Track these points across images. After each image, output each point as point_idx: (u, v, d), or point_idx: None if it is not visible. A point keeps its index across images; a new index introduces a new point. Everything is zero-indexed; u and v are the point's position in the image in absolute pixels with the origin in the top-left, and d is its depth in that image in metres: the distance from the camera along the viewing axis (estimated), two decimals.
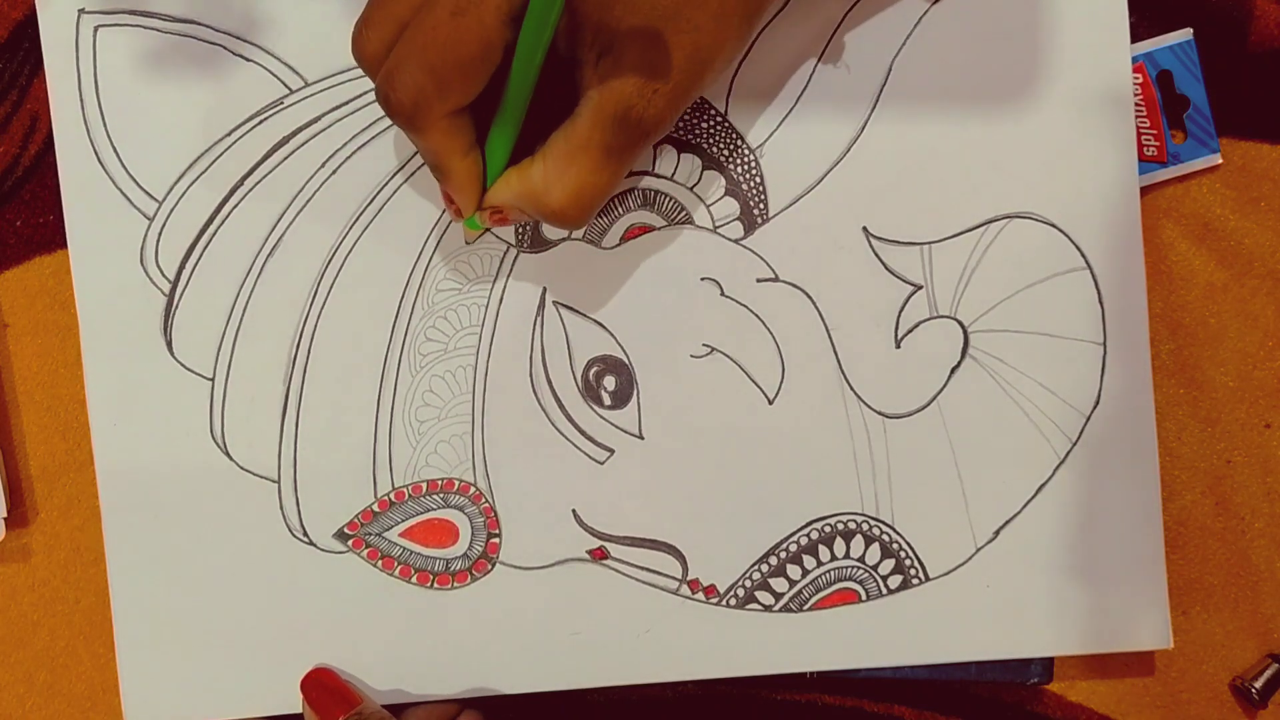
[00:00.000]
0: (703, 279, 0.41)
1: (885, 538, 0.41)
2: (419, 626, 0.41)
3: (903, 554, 0.41)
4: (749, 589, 0.41)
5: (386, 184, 0.40)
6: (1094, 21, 0.40)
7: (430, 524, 0.41)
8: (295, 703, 0.41)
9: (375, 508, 0.41)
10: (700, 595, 0.41)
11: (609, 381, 0.41)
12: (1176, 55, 0.43)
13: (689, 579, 0.41)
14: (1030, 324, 0.41)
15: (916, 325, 0.41)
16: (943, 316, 0.41)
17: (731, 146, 0.40)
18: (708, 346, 0.41)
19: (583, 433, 0.41)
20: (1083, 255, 0.41)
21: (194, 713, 0.41)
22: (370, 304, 0.41)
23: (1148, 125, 0.43)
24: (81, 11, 0.40)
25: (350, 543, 0.41)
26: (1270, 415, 0.44)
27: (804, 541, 0.41)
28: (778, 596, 0.41)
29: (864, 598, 0.41)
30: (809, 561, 0.41)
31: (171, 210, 0.40)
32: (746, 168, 0.41)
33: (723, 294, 0.41)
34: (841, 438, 0.41)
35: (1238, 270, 0.44)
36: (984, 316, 0.41)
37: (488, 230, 0.40)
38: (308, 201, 0.40)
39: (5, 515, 0.42)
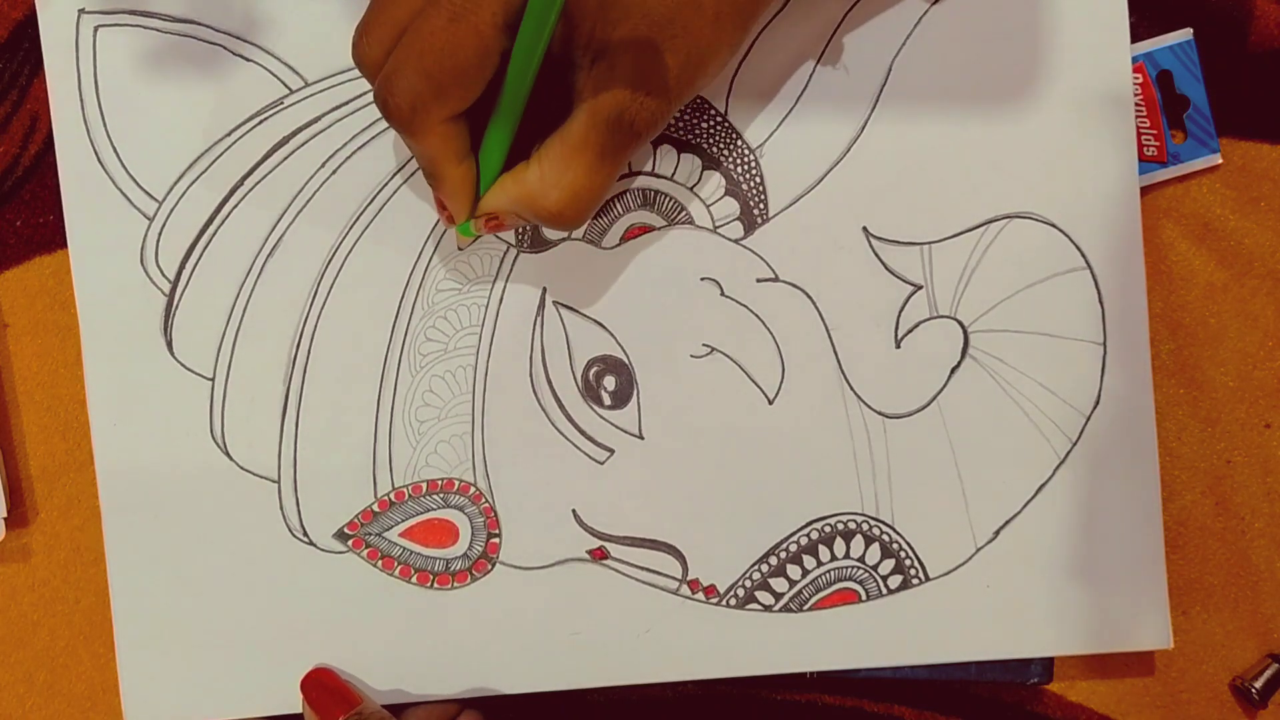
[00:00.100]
0: (703, 279, 0.41)
1: (885, 538, 0.41)
2: (419, 626, 0.41)
3: (903, 554, 0.41)
4: (749, 589, 0.41)
5: (386, 184, 0.40)
6: (1094, 21, 0.40)
7: (430, 524, 0.41)
8: (295, 703, 0.41)
9: (375, 508, 0.41)
10: (700, 595, 0.41)
11: (609, 381, 0.41)
12: (1176, 55, 0.43)
13: (689, 579, 0.41)
14: (1030, 324, 0.41)
15: (916, 325, 0.41)
16: (943, 316, 0.41)
17: (731, 146, 0.40)
18: (708, 346, 0.41)
19: (583, 433, 0.41)
20: (1083, 255, 0.41)
21: (194, 713, 0.41)
22: (370, 304, 0.41)
23: (1148, 125, 0.43)
24: (81, 11, 0.40)
25: (350, 543, 0.41)
26: (1270, 415, 0.44)
27: (804, 541, 0.41)
28: (778, 596, 0.41)
29: (864, 598, 0.41)
30: (809, 561, 0.41)
31: (172, 210, 0.40)
32: (746, 168, 0.41)
33: (723, 294, 0.41)
34: (841, 438, 0.41)
35: (1238, 270, 0.44)
36: (984, 316, 0.41)
37: (479, 237, 0.40)
38: (308, 202, 0.40)
39: (5, 515, 0.42)
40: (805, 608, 0.41)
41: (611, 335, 0.41)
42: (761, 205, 0.41)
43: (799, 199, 0.41)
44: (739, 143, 0.41)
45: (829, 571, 0.41)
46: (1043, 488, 0.41)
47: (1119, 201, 0.41)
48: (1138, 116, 0.42)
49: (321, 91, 0.40)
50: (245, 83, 0.40)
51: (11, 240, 0.43)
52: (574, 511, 0.41)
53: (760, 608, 0.41)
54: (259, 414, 0.41)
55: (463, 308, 0.41)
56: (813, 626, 0.41)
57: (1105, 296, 0.41)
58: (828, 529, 0.41)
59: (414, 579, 0.41)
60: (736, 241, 0.41)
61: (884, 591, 0.41)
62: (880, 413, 0.41)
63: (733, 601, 0.41)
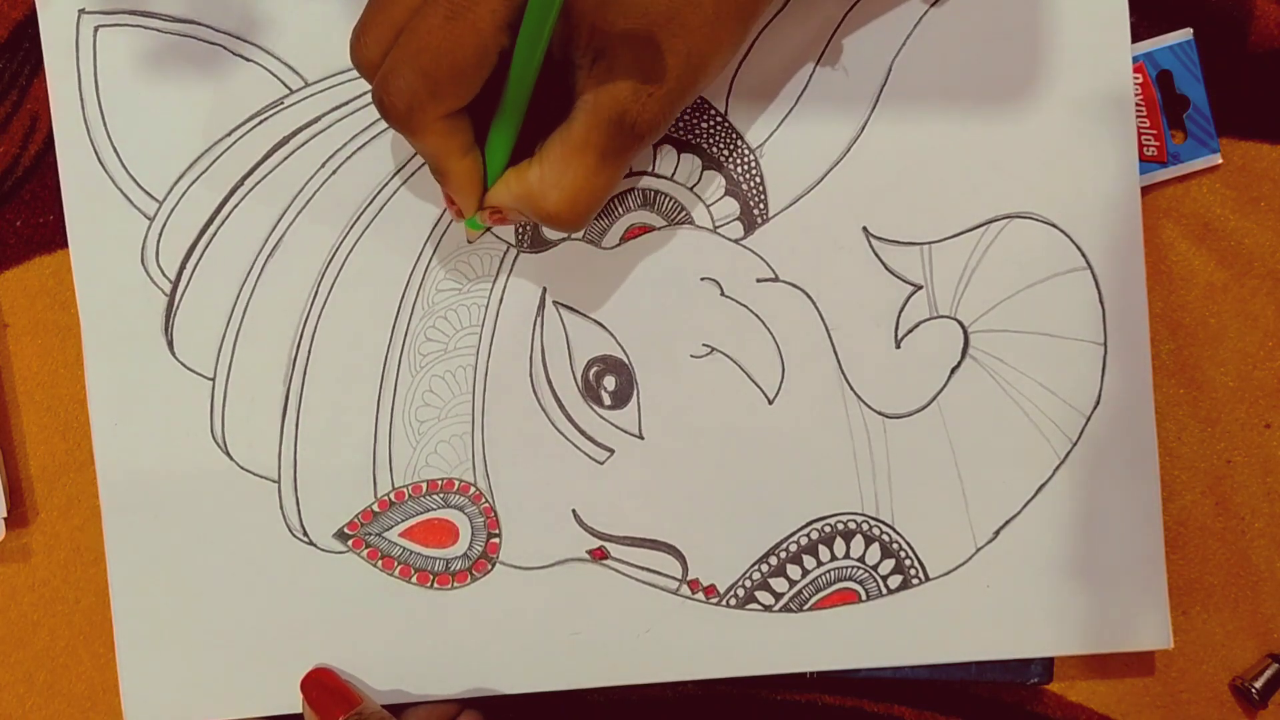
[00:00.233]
0: (703, 279, 0.41)
1: (885, 538, 0.41)
2: (419, 626, 0.41)
3: (903, 554, 0.41)
4: (749, 589, 0.41)
5: (386, 184, 0.40)
6: (1094, 21, 0.40)
7: (430, 524, 0.41)
8: (295, 703, 0.41)
9: (375, 508, 0.41)
10: (700, 595, 0.41)
11: (609, 381, 0.41)
12: (1176, 55, 0.43)
13: (689, 579, 0.41)
14: (1030, 324, 0.41)
15: (916, 325, 0.41)
16: (943, 316, 0.41)
17: (731, 146, 0.40)
18: (708, 346, 0.41)
19: (583, 433, 0.41)
20: (1083, 255, 0.41)
21: (194, 713, 0.41)
22: (370, 304, 0.41)
23: (1148, 125, 0.43)
24: (81, 11, 0.40)
25: (350, 543, 0.41)
26: (1270, 415, 0.44)
27: (804, 541, 0.41)
28: (778, 596, 0.41)
29: (864, 598, 0.41)
30: (809, 561, 0.41)
31: (172, 210, 0.40)
32: (746, 168, 0.41)
33: (723, 294, 0.41)
34: (841, 438, 0.41)
35: (1238, 270, 0.44)
36: (984, 316, 0.41)
37: (489, 230, 0.40)
38: (308, 202, 0.40)
39: (5, 515, 0.42)
40: (805, 608, 0.41)
41: (611, 335, 0.41)
42: (761, 205, 0.41)
43: (799, 199, 0.41)
44: (739, 143, 0.41)
45: (829, 571, 0.41)
46: (1043, 488, 0.41)
47: (1119, 201, 0.41)
48: (1138, 116, 0.42)
49: (321, 91, 0.40)
50: (245, 83, 0.40)
51: (11, 240, 0.43)
52: (574, 511, 0.41)
53: (760, 608, 0.41)
54: (259, 414, 0.41)
55: (463, 308, 0.41)
56: (813, 626, 0.41)
57: (1105, 296, 0.41)
58: (828, 529, 0.41)
59: (414, 579, 0.41)
60: (736, 241, 0.41)
61: (884, 591, 0.41)
62: (880, 413, 0.41)
63: (733, 601, 0.41)
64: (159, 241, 0.40)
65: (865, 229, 0.41)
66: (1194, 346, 0.44)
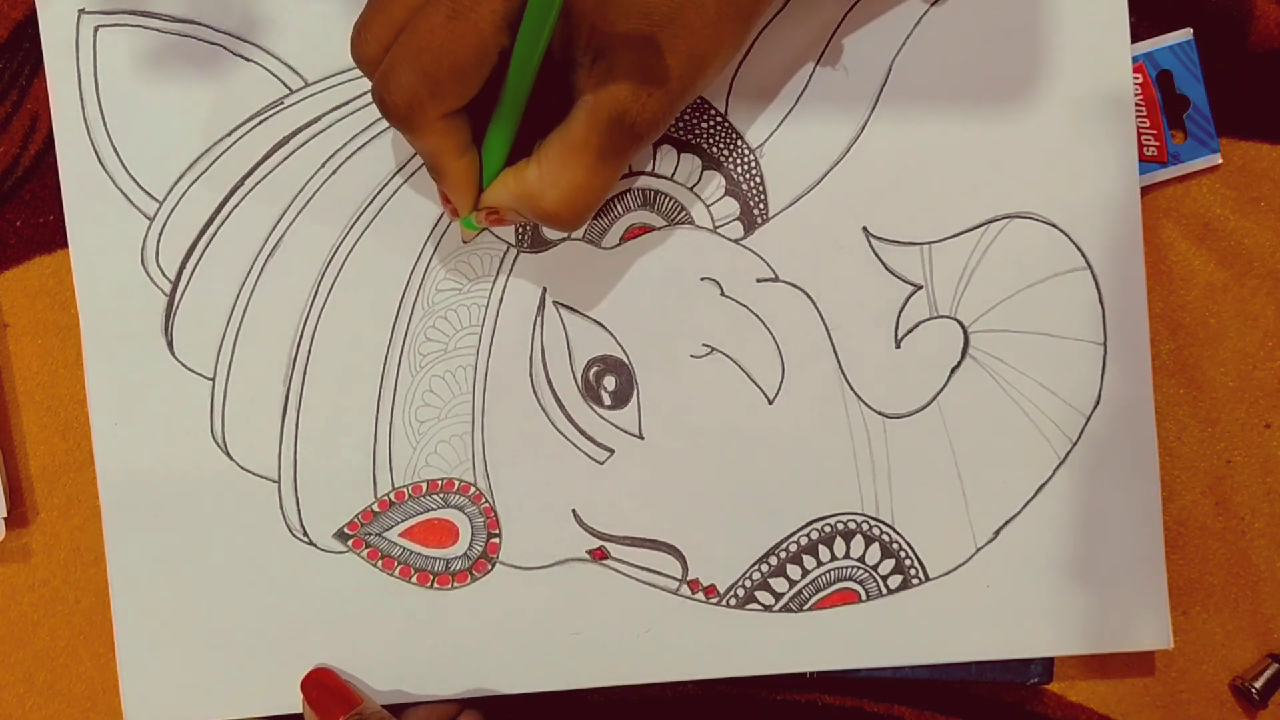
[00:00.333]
0: (703, 279, 0.41)
1: (885, 538, 0.41)
2: (419, 626, 0.41)
3: (903, 554, 0.41)
4: (749, 589, 0.41)
5: (386, 184, 0.40)
6: (1094, 21, 0.40)
7: (430, 524, 0.41)
8: (295, 703, 0.41)
9: (375, 508, 0.41)
10: (700, 595, 0.41)
11: (609, 381, 0.41)
12: (1176, 55, 0.43)
13: (689, 579, 0.41)
14: (1030, 324, 0.41)
15: (916, 325, 0.41)
16: (943, 316, 0.41)
17: (731, 146, 0.40)
18: (708, 346, 0.41)
19: (583, 433, 0.41)
20: (1083, 255, 0.41)
21: (194, 713, 0.41)
22: (370, 304, 0.41)
23: (1148, 125, 0.43)
24: (81, 11, 0.40)
25: (350, 543, 0.41)
26: (1270, 415, 0.44)
27: (804, 541, 0.41)
28: (778, 596, 0.41)
29: (864, 598, 0.41)
30: (809, 561, 0.41)
31: (172, 210, 0.40)
32: (746, 168, 0.41)
33: (723, 294, 0.41)
34: (841, 438, 0.41)
35: (1238, 270, 0.44)
36: (984, 316, 0.41)
37: (485, 230, 0.40)
38: (308, 202, 0.40)
39: (5, 515, 0.42)
40: (805, 608, 0.41)
41: (611, 335, 0.41)
42: (761, 205, 0.41)
43: (799, 199, 0.41)
44: (739, 143, 0.41)
45: (829, 571, 0.41)
46: (1043, 488, 0.41)
47: (1119, 201, 0.41)
48: (1138, 116, 0.42)
49: (321, 91, 0.40)
50: (245, 83, 0.40)
51: (11, 240, 0.43)
52: (574, 511, 0.41)
53: (760, 608, 0.41)
54: (259, 414, 0.41)
55: (463, 308, 0.41)
56: (813, 626, 0.41)
57: (1105, 296, 0.41)
58: (828, 529, 0.41)
59: (414, 579, 0.41)
60: (736, 241, 0.41)
61: (884, 591, 0.41)
62: (880, 413, 0.41)
63: (733, 601, 0.41)
64: (159, 241, 0.40)
65: (865, 229, 0.41)
66: (1194, 346, 0.44)
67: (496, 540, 0.41)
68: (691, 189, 0.41)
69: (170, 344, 0.41)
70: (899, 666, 0.42)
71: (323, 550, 0.41)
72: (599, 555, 0.41)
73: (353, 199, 0.40)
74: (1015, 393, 0.41)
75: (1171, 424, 0.44)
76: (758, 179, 0.41)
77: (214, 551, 0.41)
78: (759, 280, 0.41)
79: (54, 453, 0.43)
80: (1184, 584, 0.44)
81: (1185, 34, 0.42)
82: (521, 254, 0.41)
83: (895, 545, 0.41)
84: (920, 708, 0.44)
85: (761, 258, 0.41)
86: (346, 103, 0.40)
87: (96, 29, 0.40)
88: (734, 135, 0.40)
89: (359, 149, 0.40)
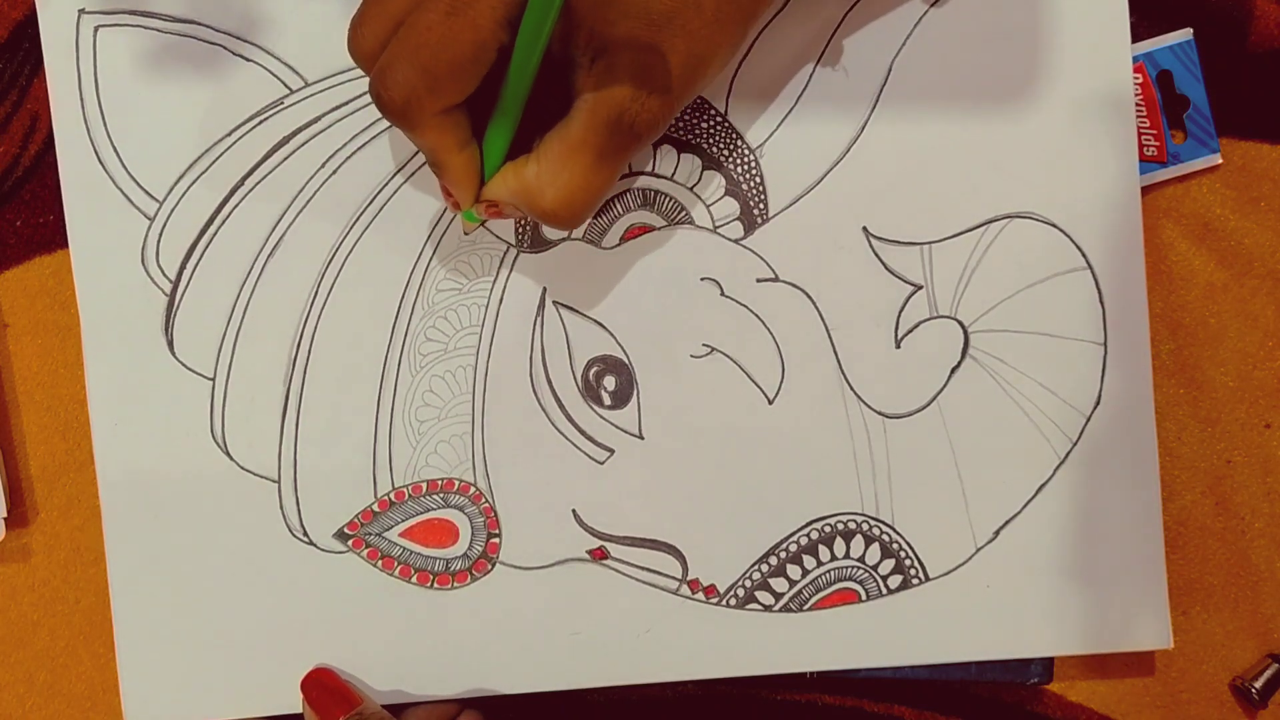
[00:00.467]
0: (703, 279, 0.41)
1: (885, 538, 0.41)
2: (419, 626, 0.41)
3: (903, 554, 0.41)
4: (749, 589, 0.41)
5: (386, 184, 0.40)
6: (1094, 22, 0.40)
7: (430, 524, 0.41)
8: (295, 703, 0.41)
9: (375, 508, 0.41)
10: (700, 595, 0.41)
11: (609, 381, 0.41)
12: (1176, 55, 0.43)
13: (689, 579, 0.41)
14: (1030, 324, 0.41)
15: (916, 325, 0.41)
16: (943, 316, 0.41)
17: (731, 146, 0.40)
18: (708, 346, 0.41)
19: (583, 433, 0.41)
20: (1083, 255, 0.41)
21: (194, 713, 0.41)
22: (370, 304, 0.41)
23: (1148, 125, 0.43)
24: (81, 11, 0.40)
25: (350, 543, 0.41)
26: (1270, 415, 0.44)
27: (804, 541, 0.41)
28: (778, 596, 0.41)
29: (864, 598, 0.41)
30: (809, 561, 0.41)
31: (172, 210, 0.40)
32: (746, 168, 0.41)
33: (723, 294, 0.41)
34: (841, 438, 0.41)
35: (1238, 270, 0.44)
36: (984, 316, 0.41)
37: (485, 222, 0.40)
38: (308, 202, 0.40)
39: (5, 515, 0.42)
40: (805, 608, 0.41)
41: (611, 335, 0.41)
42: (761, 205, 0.41)
43: (799, 199, 0.41)
44: (739, 143, 0.41)
45: (829, 571, 0.41)
46: (1043, 488, 0.41)
47: (1119, 201, 0.41)
48: (1138, 116, 0.42)
49: (321, 91, 0.40)
50: (245, 83, 0.40)
51: (11, 240, 0.43)
52: (574, 511, 0.41)
53: (760, 608, 0.41)
54: (259, 414, 0.41)
55: (463, 308, 0.41)
56: (813, 626, 0.41)
57: (1105, 296, 0.41)
58: (828, 529, 0.41)
59: (414, 579, 0.41)
60: (736, 241, 0.41)
61: (884, 591, 0.41)
62: (880, 413, 0.41)
63: (733, 601, 0.41)
64: (159, 241, 0.40)
65: (865, 229, 0.41)
66: (1194, 346, 0.44)
67: (496, 540, 0.41)
68: (691, 189, 0.41)
69: (170, 344, 0.41)
70: (899, 666, 0.42)
71: (323, 550, 0.41)
72: (599, 555, 0.41)
73: (352, 199, 0.40)
74: (1015, 393, 0.41)
75: (1171, 424, 0.44)
76: (758, 179, 0.41)
77: (214, 551, 0.41)
78: (759, 280, 0.41)
79: (54, 453, 0.43)
80: (1184, 584, 0.44)
81: (1185, 34, 0.42)
82: (521, 254, 0.41)
83: (895, 545, 0.41)
84: (920, 708, 0.44)
85: (761, 258, 0.41)
86: (346, 103, 0.40)
87: (96, 29, 0.40)
88: (734, 135, 0.40)
89: (359, 149, 0.40)
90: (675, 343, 0.41)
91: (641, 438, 0.41)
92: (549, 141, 0.34)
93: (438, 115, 0.33)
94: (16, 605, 0.43)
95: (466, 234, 0.40)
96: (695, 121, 0.40)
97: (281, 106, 0.40)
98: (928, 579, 0.41)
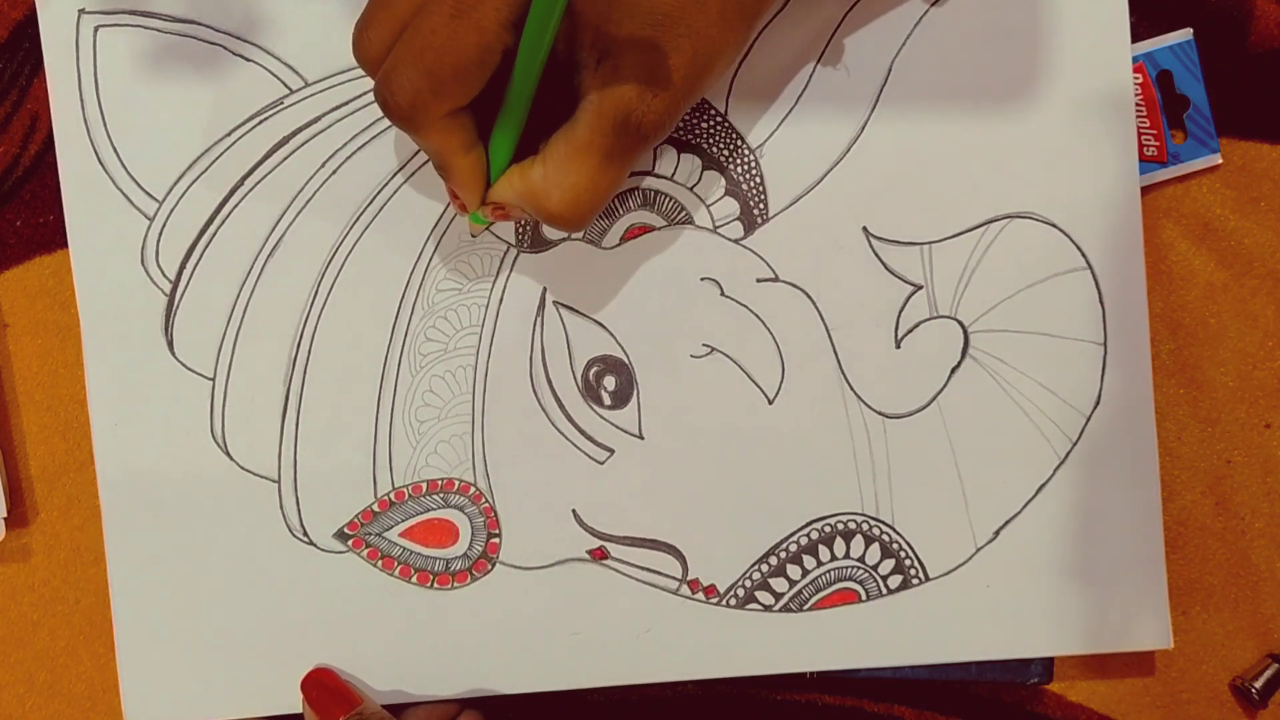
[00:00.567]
0: (703, 279, 0.41)
1: (885, 538, 0.41)
2: (419, 626, 0.41)
3: (903, 554, 0.41)
4: (749, 589, 0.41)
5: (386, 184, 0.40)
6: (1094, 22, 0.40)
7: (430, 524, 0.41)
8: (295, 703, 0.41)
9: (375, 508, 0.41)
10: (700, 595, 0.41)
11: (609, 381, 0.41)
12: (1176, 55, 0.43)
13: (689, 579, 0.41)
14: (1030, 324, 0.41)
15: (916, 325, 0.41)
16: (943, 316, 0.41)
17: (731, 147, 0.40)
18: (708, 346, 0.41)
19: (583, 433, 0.41)
20: (1083, 255, 0.41)
21: (194, 713, 0.41)
22: (370, 304, 0.41)
23: (1148, 125, 0.43)
24: (81, 11, 0.40)
25: (350, 543, 0.41)
26: (1270, 415, 0.44)
27: (804, 541, 0.41)
28: (778, 596, 0.41)
29: (864, 598, 0.41)
30: (809, 561, 0.41)
31: (172, 210, 0.40)
32: (746, 168, 0.41)
33: (723, 294, 0.41)
34: (841, 438, 0.41)
35: (1238, 270, 0.44)
36: (984, 316, 0.41)
37: (491, 224, 0.40)
38: (308, 202, 0.40)
39: (5, 515, 0.42)
40: (805, 608, 0.41)
41: (611, 335, 0.41)
42: (761, 205, 0.41)
43: (799, 199, 0.41)
44: (739, 143, 0.41)
45: (829, 571, 0.41)
46: (1043, 488, 0.41)
47: (1119, 201, 0.41)
48: (1138, 116, 0.42)
49: (321, 91, 0.40)
50: (245, 83, 0.40)
51: (11, 240, 0.43)
52: (574, 511, 0.41)
53: (760, 608, 0.41)
54: (259, 414, 0.41)
55: (463, 308, 0.41)
56: (813, 626, 0.41)
57: (1105, 296, 0.41)
58: (828, 529, 0.41)
59: (414, 579, 0.41)
60: (736, 241, 0.41)
61: (884, 591, 0.41)
62: (880, 413, 0.41)
63: (733, 601, 0.41)
64: (159, 241, 0.40)
65: (865, 229, 0.41)
66: (1194, 346, 0.44)
67: (496, 540, 0.41)
68: (692, 189, 0.41)
69: (170, 344, 0.41)
70: (899, 666, 0.42)
71: (323, 550, 0.41)
72: (599, 555, 0.41)
73: (353, 199, 0.40)
74: (1015, 393, 0.41)
75: (1171, 424, 0.44)
76: (758, 179, 0.41)
77: (214, 551, 0.41)
78: (759, 280, 0.41)
79: (54, 453, 0.43)
80: (1184, 584, 0.44)
81: (1185, 34, 0.42)
82: (522, 254, 0.41)
83: (895, 545, 0.41)
84: (920, 708, 0.44)
85: (761, 258, 0.41)
86: (346, 103, 0.40)
87: (96, 29, 0.40)
88: (734, 135, 0.40)
89: (359, 149, 0.40)
90: (675, 343, 0.41)
91: (641, 438, 0.41)
92: (555, 143, 0.34)
93: (443, 118, 0.33)
94: (16, 605, 0.43)
95: (473, 235, 0.40)
96: (695, 122, 0.40)
97: (281, 106, 0.40)
98: (928, 579, 0.41)
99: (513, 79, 0.33)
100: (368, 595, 0.41)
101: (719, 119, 0.40)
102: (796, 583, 0.41)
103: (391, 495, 0.41)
